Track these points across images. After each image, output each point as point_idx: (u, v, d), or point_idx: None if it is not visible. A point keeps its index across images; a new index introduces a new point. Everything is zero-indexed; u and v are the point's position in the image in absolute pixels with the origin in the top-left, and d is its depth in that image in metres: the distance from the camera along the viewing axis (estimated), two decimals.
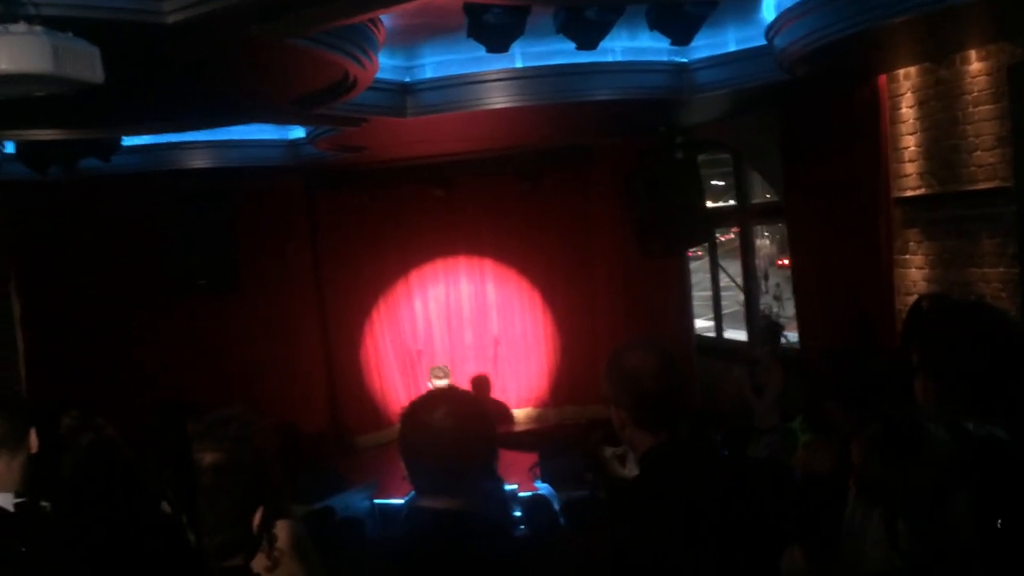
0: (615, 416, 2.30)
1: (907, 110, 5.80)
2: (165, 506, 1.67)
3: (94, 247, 8.29)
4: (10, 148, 6.54)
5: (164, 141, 7.12)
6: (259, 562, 2.12)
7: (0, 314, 7.51)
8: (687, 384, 2.40)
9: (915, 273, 5.89)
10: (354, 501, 6.93)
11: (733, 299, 11.23)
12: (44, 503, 2.07)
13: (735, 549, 2.04)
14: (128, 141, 6.56)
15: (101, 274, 8.29)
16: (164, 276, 8.34)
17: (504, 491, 3.22)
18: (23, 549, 1.39)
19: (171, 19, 3.14)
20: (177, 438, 1.71)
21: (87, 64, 2.73)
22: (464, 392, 2.11)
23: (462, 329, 10.15)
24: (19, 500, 2.12)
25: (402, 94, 5.82)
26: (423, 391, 2.25)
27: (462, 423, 1.96)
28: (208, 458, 1.97)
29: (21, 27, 2.59)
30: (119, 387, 7.59)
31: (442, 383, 5.96)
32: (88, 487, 1.50)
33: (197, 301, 8.51)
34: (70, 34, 2.76)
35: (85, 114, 4.86)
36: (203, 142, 7.27)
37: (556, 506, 4.95)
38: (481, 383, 9.71)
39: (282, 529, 2.48)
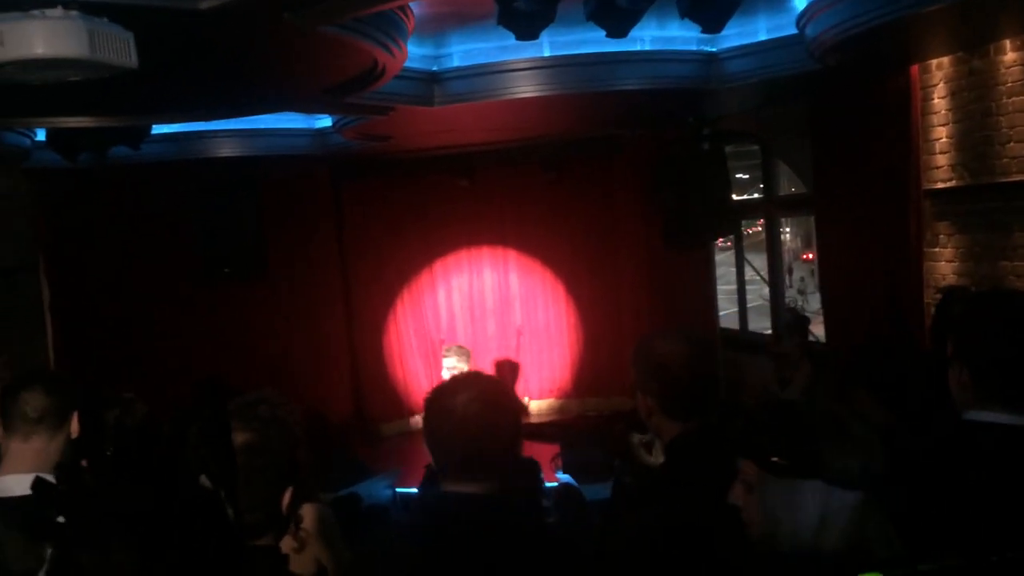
0: (642, 403, 2.30)
1: (939, 101, 5.73)
2: (205, 481, 1.69)
3: (123, 234, 8.38)
4: (41, 136, 6.62)
5: (192, 130, 7.18)
6: (287, 543, 2.15)
7: (30, 300, 7.60)
8: (716, 373, 2.37)
9: (945, 266, 5.83)
10: (377, 489, 6.97)
11: (757, 293, 11.17)
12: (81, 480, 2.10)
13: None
14: (157, 129, 6.62)
15: (129, 261, 8.39)
16: (192, 264, 8.43)
17: (539, 476, 3.21)
18: (60, 520, 1.42)
19: (204, 5, 3.16)
20: (216, 413, 1.74)
21: (122, 49, 2.76)
22: (488, 376, 2.10)
23: (485, 319, 10.17)
24: (47, 476, 2.15)
25: (429, 83, 5.82)
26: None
27: (486, 407, 1.96)
28: (239, 438, 1.99)
29: (57, 12, 2.62)
30: (146, 373, 7.67)
31: (454, 363, 5.68)
32: (127, 461, 1.52)
33: (224, 290, 8.59)
34: (105, 19, 2.78)
35: (116, 102, 4.90)
36: (231, 131, 7.33)
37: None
38: (504, 368, 9.68)
39: (309, 512, 2.51)
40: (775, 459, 1.56)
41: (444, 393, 2.01)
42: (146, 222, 8.44)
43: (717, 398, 2.37)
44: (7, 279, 7.23)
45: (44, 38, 2.55)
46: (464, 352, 5.89)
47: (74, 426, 2.40)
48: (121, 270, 8.38)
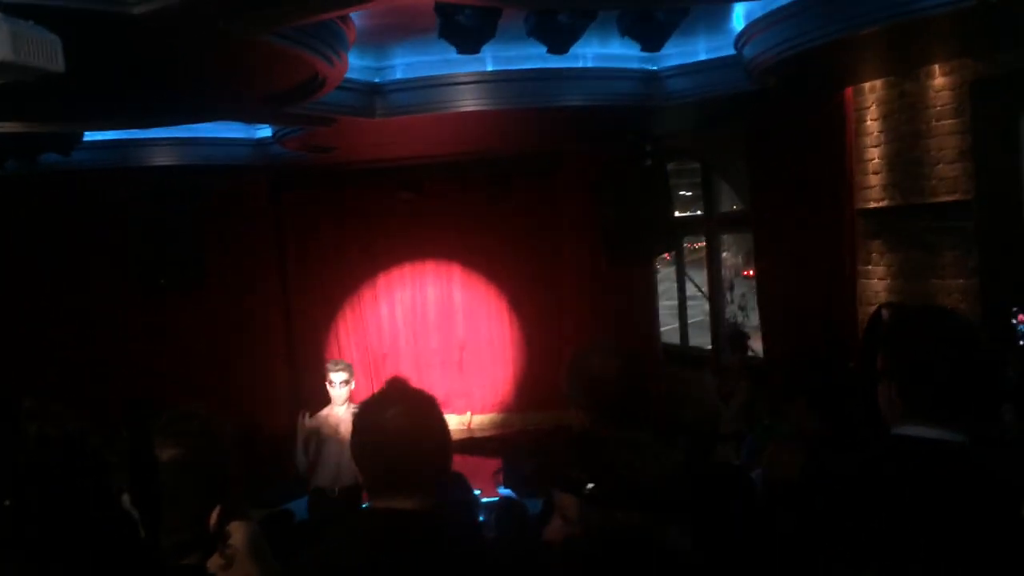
0: (577, 417, 2.29)
1: (872, 123, 5.88)
2: (126, 501, 1.63)
3: (55, 243, 8.14)
4: None
5: (128, 137, 7.00)
6: (214, 561, 2.08)
7: None
8: (649, 387, 2.37)
9: (878, 284, 5.97)
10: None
11: (699, 308, 11.30)
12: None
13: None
14: (90, 136, 6.45)
15: (63, 270, 8.15)
16: (128, 273, 8.21)
17: (471, 492, 3.17)
18: None
19: (137, 10, 3.09)
20: (138, 434, 1.68)
21: (47, 53, 2.67)
22: (417, 391, 2.06)
23: (428, 334, 10.10)
24: None
25: (371, 95, 5.78)
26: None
27: (415, 422, 1.92)
28: (167, 454, 1.93)
29: None
30: (81, 382, 7.45)
31: (345, 377, 5.91)
32: (45, 478, 1.46)
33: (162, 299, 8.39)
34: (31, 22, 2.69)
35: (45, 107, 4.76)
36: (168, 139, 7.14)
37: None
38: None
39: (238, 530, 2.44)
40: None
41: (372, 407, 1.96)
42: (79, 231, 8.23)
43: (650, 411, 2.37)
44: None
45: None
46: (349, 367, 6.15)
47: None
48: (56, 278, 8.14)
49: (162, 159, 7.31)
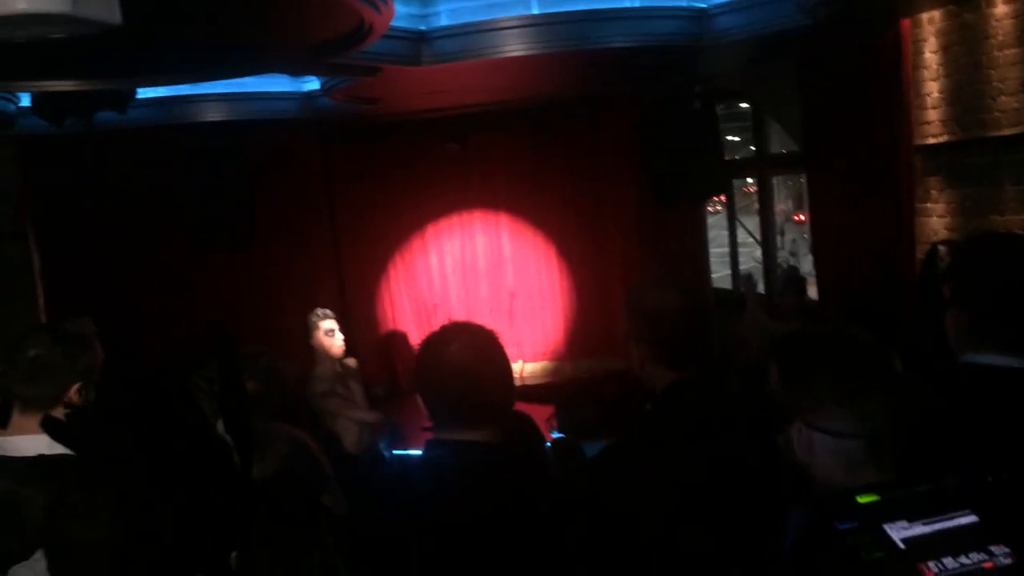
0: (634, 352, 2.30)
1: (930, 55, 5.70)
2: (220, 428, 1.70)
3: (111, 201, 8.34)
4: (26, 101, 6.54)
5: (178, 94, 7.10)
6: None
7: (20, 268, 7.56)
8: (708, 323, 2.37)
9: (936, 222, 5.84)
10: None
11: (749, 256, 11.18)
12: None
13: (743, 489, 2.04)
14: (142, 94, 6.54)
15: (118, 228, 8.35)
16: (180, 231, 8.38)
17: (536, 426, 3.22)
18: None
19: None
20: (228, 364, 1.74)
21: (105, 5, 2.71)
22: (478, 326, 2.09)
23: (478, 283, 10.17)
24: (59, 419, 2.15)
25: (417, 42, 5.76)
26: None
27: (479, 355, 1.96)
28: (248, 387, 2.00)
29: None
30: (138, 339, 7.67)
31: (333, 325, 5.86)
32: (149, 409, 1.54)
33: (213, 257, 8.55)
34: None
35: (101, 64, 4.84)
36: (217, 95, 7.22)
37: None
38: None
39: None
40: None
41: (436, 342, 2.01)
42: (134, 188, 8.38)
43: (709, 348, 2.37)
44: None
45: None
46: (328, 313, 6.06)
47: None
48: (110, 237, 8.34)
49: (212, 115, 7.39)
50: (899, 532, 1.30)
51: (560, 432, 7.09)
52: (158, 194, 8.44)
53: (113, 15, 2.76)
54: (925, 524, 1.33)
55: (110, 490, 1.24)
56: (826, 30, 5.62)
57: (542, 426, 7.47)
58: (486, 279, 10.17)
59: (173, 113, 7.28)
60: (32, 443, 2.23)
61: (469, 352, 1.95)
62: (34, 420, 2.26)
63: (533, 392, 8.89)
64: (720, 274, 10.40)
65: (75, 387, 2.32)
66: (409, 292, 10.04)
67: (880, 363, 1.66)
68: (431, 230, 10.06)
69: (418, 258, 10.07)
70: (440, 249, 10.13)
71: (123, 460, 1.32)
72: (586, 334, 9.86)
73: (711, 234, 9.79)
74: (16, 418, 2.29)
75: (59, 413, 2.28)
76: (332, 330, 5.90)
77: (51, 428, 1.77)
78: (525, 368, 9.95)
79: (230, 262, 8.69)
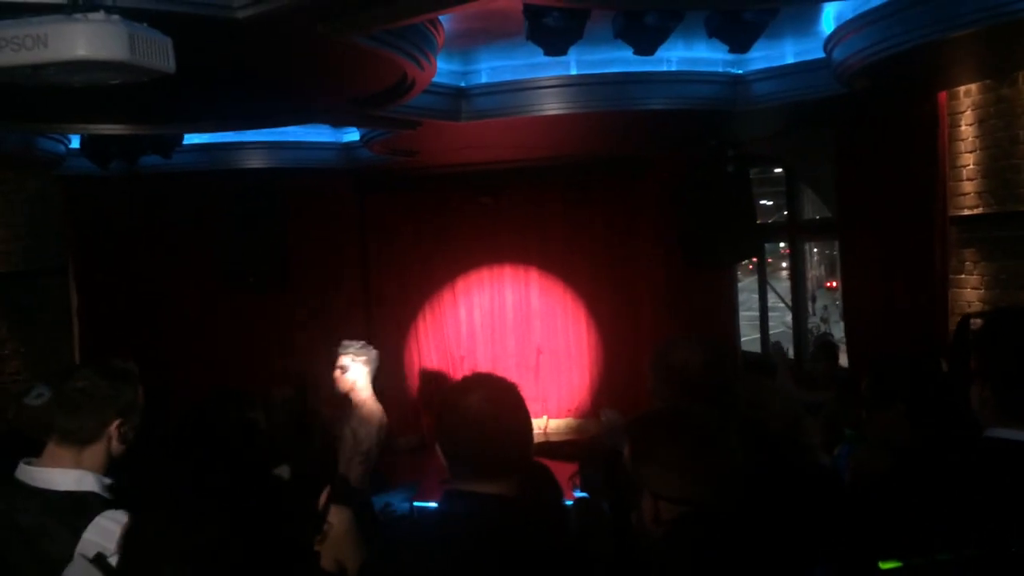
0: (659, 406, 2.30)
1: (966, 128, 5.71)
2: (283, 471, 1.73)
3: (149, 242, 8.52)
4: (74, 143, 6.75)
5: (221, 140, 7.29)
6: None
7: (57, 303, 7.71)
8: (732, 380, 2.36)
9: (970, 294, 5.79)
10: (394, 502, 6.96)
11: (779, 320, 11.11)
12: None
13: (777, 544, 2.01)
14: (186, 140, 6.73)
15: (155, 268, 8.51)
16: (216, 272, 8.52)
17: (555, 480, 3.20)
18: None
19: (241, 14, 3.22)
20: (303, 411, 1.78)
21: (160, 53, 2.82)
22: (499, 377, 2.10)
23: (505, 337, 10.18)
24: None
25: (457, 98, 5.88)
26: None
27: (499, 407, 1.96)
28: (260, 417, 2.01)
29: (99, 15, 2.68)
30: (169, 377, 7.74)
31: (351, 360, 5.43)
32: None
33: (246, 299, 8.67)
34: (145, 24, 2.85)
35: (150, 110, 4.99)
36: (259, 142, 7.42)
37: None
38: None
39: (338, 513, 2.54)
40: None
41: (457, 392, 2.02)
42: (172, 230, 8.57)
43: (734, 405, 2.36)
44: (36, 282, 7.35)
45: (86, 40, 2.61)
46: (360, 347, 5.58)
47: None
48: (147, 277, 8.50)
49: (253, 162, 7.58)
50: None
51: (583, 491, 7.03)
52: (195, 236, 8.62)
53: (168, 64, 2.87)
54: None
55: (184, 531, 1.25)
56: (863, 99, 5.67)
57: (564, 484, 7.40)
58: (513, 333, 10.18)
59: (215, 159, 7.47)
60: (63, 477, 2.25)
61: (489, 404, 1.95)
62: (69, 453, 2.29)
63: (556, 449, 8.80)
64: (749, 337, 10.33)
65: (115, 423, 2.35)
66: (437, 343, 10.06)
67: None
68: (461, 282, 10.12)
69: (447, 310, 10.11)
70: (469, 302, 10.17)
71: (192, 500, 1.33)
72: (612, 392, 9.79)
73: (741, 297, 9.75)
74: (51, 448, 2.31)
75: (97, 451, 2.31)
76: (338, 366, 5.55)
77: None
78: (550, 424, 9.88)
79: (262, 305, 8.80)
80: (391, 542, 2.17)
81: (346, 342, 5.74)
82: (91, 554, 2.06)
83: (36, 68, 2.65)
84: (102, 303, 8.10)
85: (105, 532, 2.11)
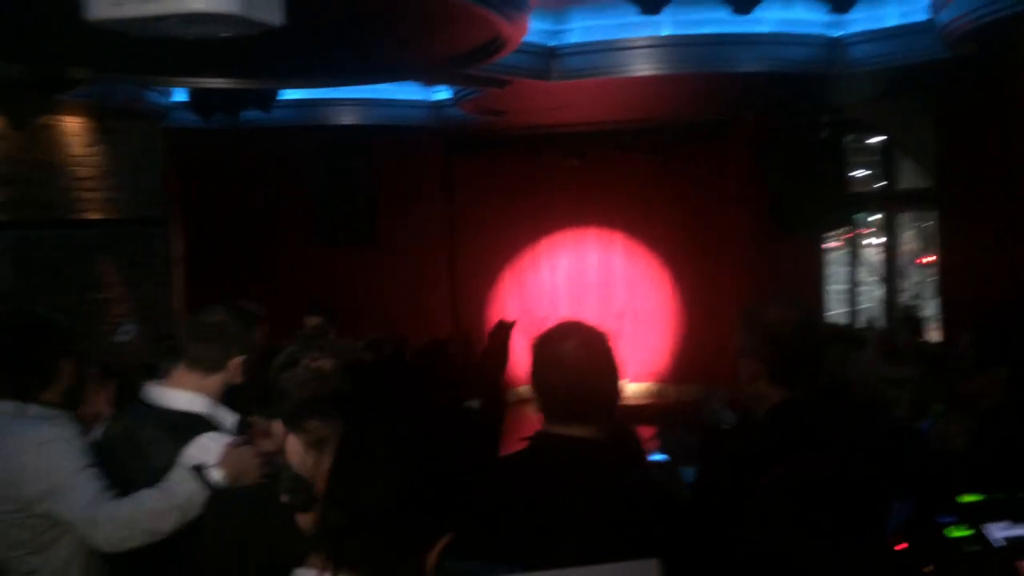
0: (747, 368, 2.29)
1: None
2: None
3: (247, 194, 8.84)
4: (178, 96, 7.03)
5: (316, 97, 7.48)
6: None
7: (161, 252, 8.06)
8: (825, 343, 2.35)
9: None
10: None
11: (869, 295, 10.81)
12: None
13: (854, 510, 2.01)
14: (282, 95, 6.93)
15: (252, 219, 8.84)
16: (308, 225, 8.80)
17: (636, 434, 3.25)
18: None
19: None
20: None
21: (270, 6, 2.93)
22: (592, 326, 2.15)
23: (587, 300, 10.21)
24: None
25: (547, 57, 5.90)
26: None
27: (593, 355, 2.02)
28: (327, 366, 2.13)
29: None
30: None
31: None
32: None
33: (337, 251, 8.94)
34: None
35: (254, 65, 5.17)
36: (352, 99, 7.59)
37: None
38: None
39: None
40: None
41: (552, 339, 2.07)
42: (269, 183, 8.86)
43: (823, 371, 2.35)
44: (141, 230, 7.70)
45: None
46: None
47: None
48: (244, 227, 8.82)
49: (346, 118, 7.78)
50: (1000, 531, 1.31)
51: (661, 454, 7.06)
52: (290, 189, 8.90)
53: (276, 17, 2.99)
54: None
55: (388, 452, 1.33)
56: (968, 64, 5.45)
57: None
58: (595, 296, 10.21)
59: (309, 115, 7.68)
60: (180, 397, 2.45)
61: (583, 350, 2.01)
62: (193, 378, 2.48)
63: (635, 413, 8.85)
64: (837, 312, 10.09)
65: (238, 359, 2.53)
66: (518, 303, 10.17)
67: None
68: (545, 243, 10.18)
69: (530, 270, 10.20)
70: (552, 263, 10.23)
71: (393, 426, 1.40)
72: (693, 359, 9.75)
73: (831, 270, 9.54)
74: (178, 373, 2.51)
75: (216, 380, 2.48)
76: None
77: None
78: (628, 388, 9.90)
79: (352, 258, 9.05)
80: (481, 478, 2.26)
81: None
82: (190, 465, 2.28)
83: (158, 20, 2.79)
84: (203, 252, 8.45)
85: (205, 449, 2.32)
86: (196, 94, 6.25)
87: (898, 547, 1.42)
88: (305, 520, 1.69)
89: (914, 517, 1.43)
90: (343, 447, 1.33)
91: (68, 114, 7.02)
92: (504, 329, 2.59)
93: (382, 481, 1.25)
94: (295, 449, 1.77)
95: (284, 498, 1.72)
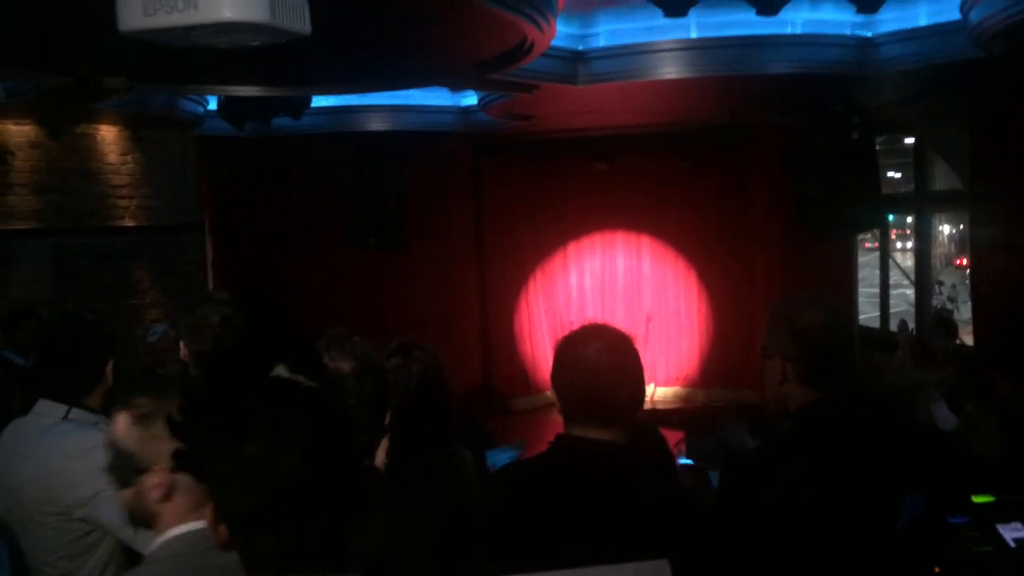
0: (774, 368, 2.26)
1: None
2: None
3: (279, 200, 8.95)
4: (212, 105, 7.13)
5: (346, 104, 7.56)
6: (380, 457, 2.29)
7: (193, 257, 8.19)
8: (855, 344, 2.31)
9: None
10: (501, 458, 7.13)
11: (902, 298, 10.67)
12: None
13: (874, 509, 2.00)
14: (313, 103, 7.01)
15: (284, 225, 8.95)
16: (338, 231, 8.88)
17: (663, 439, 3.24)
18: None
19: None
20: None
21: (298, 15, 2.98)
22: (616, 329, 2.15)
23: (615, 304, 10.21)
24: None
25: (574, 62, 5.91)
26: None
27: (616, 358, 2.02)
28: (345, 367, 2.14)
29: None
30: (298, 328, 8.14)
31: None
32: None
33: (367, 257, 9.00)
34: None
35: (284, 73, 5.24)
36: (380, 106, 7.67)
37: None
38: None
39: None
40: None
41: (576, 341, 2.08)
42: (300, 190, 8.97)
43: (854, 370, 2.32)
44: (175, 236, 7.84)
45: (232, 2, 2.79)
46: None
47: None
48: (276, 234, 8.93)
49: (375, 125, 7.85)
50: (1011, 533, 1.30)
51: (688, 459, 7.02)
52: (320, 195, 9.00)
53: (304, 26, 3.04)
54: None
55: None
56: (1000, 63, 5.38)
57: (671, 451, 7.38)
58: (623, 300, 10.20)
59: (339, 121, 7.76)
60: None
61: (607, 353, 2.01)
62: None
63: (663, 417, 8.82)
64: (869, 315, 9.97)
65: None
66: (547, 306, 10.20)
67: None
68: (572, 247, 10.20)
69: (558, 274, 10.22)
70: (580, 267, 10.25)
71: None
72: (721, 363, 9.71)
73: (862, 274, 9.44)
74: None
75: None
76: None
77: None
78: (656, 392, 9.88)
79: (381, 263, 9.12)
80: (501, 480, 2.27)
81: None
82: None
83: (187, 30, 2.85)
84: (235, 257, 8.56)
85: None
86: (228, 103, 6.35)
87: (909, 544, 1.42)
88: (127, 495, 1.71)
89: (924, 513, 1.42)
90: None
91: (103, 123, 7.17)
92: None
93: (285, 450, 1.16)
94: (123, 425, 1.76)
95: (107, 476, 1.73)
